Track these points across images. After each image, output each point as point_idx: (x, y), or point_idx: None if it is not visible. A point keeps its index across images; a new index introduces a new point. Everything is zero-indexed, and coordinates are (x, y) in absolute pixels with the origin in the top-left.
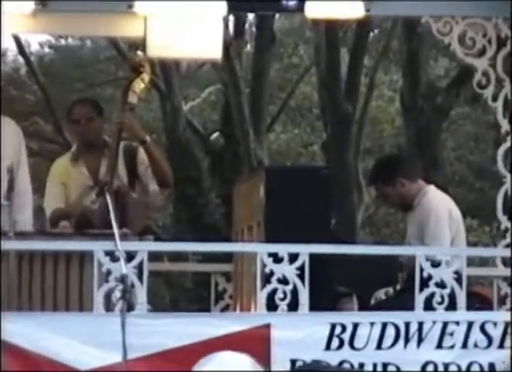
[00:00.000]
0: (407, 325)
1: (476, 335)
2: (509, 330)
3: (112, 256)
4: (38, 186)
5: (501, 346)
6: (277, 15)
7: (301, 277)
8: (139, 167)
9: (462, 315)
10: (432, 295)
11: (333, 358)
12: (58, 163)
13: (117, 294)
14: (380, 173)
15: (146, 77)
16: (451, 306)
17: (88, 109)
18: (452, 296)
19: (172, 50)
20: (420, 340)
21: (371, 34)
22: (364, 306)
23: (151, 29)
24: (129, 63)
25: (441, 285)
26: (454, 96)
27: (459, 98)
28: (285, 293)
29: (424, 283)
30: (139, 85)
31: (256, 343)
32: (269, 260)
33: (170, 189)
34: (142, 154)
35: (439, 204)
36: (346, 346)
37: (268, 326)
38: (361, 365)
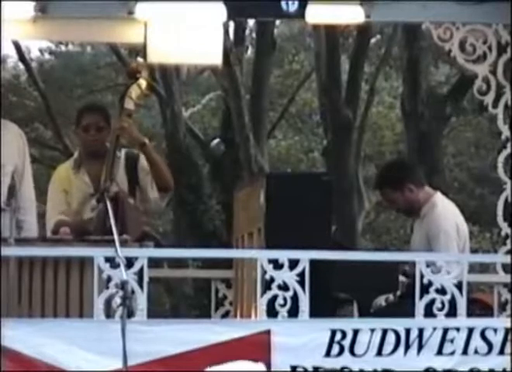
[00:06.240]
0: (408, 331)
1: (477, 341)
2: (509, 336)
3: (112, 262)
4: (38, 193)
5: (501, 352)
6: (277, 22)
7: (301, 283)
8: (139, 174)
9: (463, 321)
10: (432, 302)
11: (333, 364)
12: (60, 169)
13: (117, 300)
14: (389, 178)
15: (143, 83)
16: (452, 312)
17: (98, 118)
18: (453, 302)
19: (172, 56)
20: (420, 347)
21: (372, 40)
22: (364, 312)
23: (151, 35)
24: (126, 69)
25: (442, 291)
26: (455, 102)
27: (460, 104)
28: (285, 299)
29: (425, 289)
30: (135, 91)
31: (256, 350)
32: (269, 267)
33: (170, 193)
34: (143, 161)
35: (448, 221)
36: (346, 352)
37: (268, 332)
38: None
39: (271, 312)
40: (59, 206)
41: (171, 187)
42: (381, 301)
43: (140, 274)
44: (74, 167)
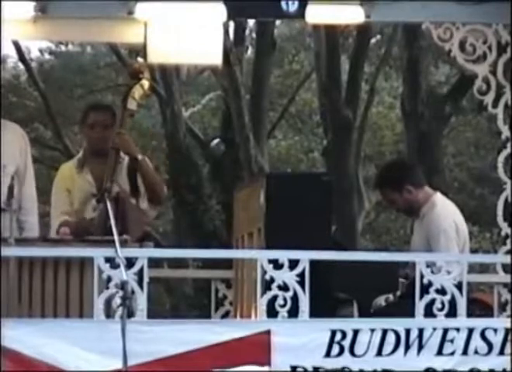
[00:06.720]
0: (408, 331)
1: (477, 341)
2: (509, 337)
3: (112, 262)
4: (38, 193)
5: (501, 352)
6: (277, 22)
7: (301, 283)
8: (138, 181)
9: (463, 321)
10: (432, 302)
11: (333, 365)
12: (64, 168)
13: (117, 300)
14: (388, 178)
15: (145, 83)
16: (452, 313)
17: (104, 116)
18: (453, 302)
19: (172, 56)
20: (420, 347)
21: (372, 40)
22: (364, 313)
23: (151, 35)
24: (128, 69)
25: (442, 292)
26: (455, 102)
27: (459, 104)
28: (285, 299)
29: (425, 289)
30: (138, 92)
31: (256, 350)
32: (269, 267)
33: (160, 206)
34: None
35: (447, 221)
36: (346, 352)
37: (268, 333)
38: None
39: (271, 312)
40: (62, 206)
41: (161, 201)
42: (381, 301)
43: (140, 274)
44: (77, 166)
